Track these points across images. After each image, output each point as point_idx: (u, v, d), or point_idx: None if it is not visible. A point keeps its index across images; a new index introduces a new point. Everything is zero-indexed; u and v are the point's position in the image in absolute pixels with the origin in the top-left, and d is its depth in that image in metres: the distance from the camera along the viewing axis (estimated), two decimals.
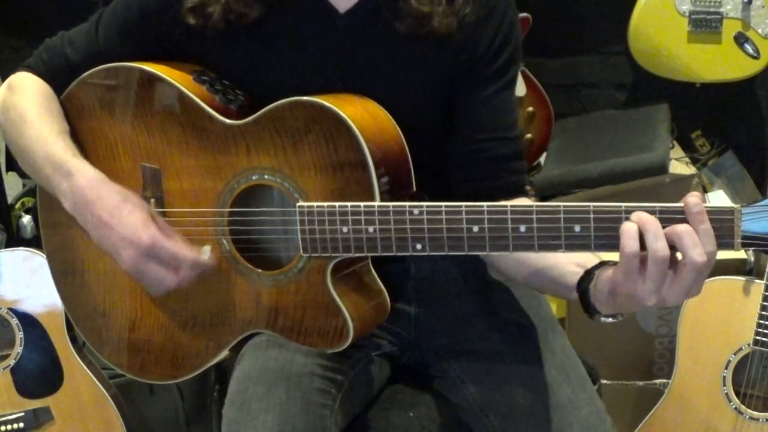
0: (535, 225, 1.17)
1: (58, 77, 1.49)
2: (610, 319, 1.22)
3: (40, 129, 1.42)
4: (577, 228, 1.16)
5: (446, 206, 1.21)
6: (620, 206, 1.14)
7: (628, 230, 1.12)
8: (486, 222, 1.19)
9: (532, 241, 1.18)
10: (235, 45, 1.42)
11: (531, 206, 1.18)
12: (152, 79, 1.41)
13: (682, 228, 1.10)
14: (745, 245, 1.12)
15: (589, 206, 1.15)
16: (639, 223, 1.12)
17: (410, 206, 1.22)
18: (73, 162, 1.39)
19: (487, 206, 1.19)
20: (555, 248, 1.18)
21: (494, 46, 1.41)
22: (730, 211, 1.11)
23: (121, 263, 1.36)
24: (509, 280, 1.54)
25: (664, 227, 1.11)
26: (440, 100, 1.44)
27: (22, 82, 1.49)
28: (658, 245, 1.10)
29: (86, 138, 1.48)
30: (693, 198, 1.12)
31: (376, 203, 1.25)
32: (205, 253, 1.37)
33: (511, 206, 1.18)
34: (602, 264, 1.22)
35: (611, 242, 1.15)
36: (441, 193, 1.41)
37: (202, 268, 1.37)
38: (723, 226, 1.11)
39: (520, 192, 1.44)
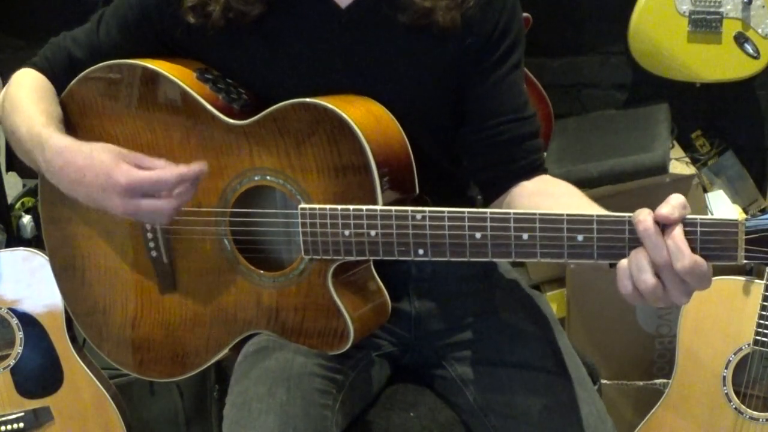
0: (537, 233, 1.17)
1: (61, 74, 1.49)
2: None
3: (26, 110, 1.42)
4: (580, 237, 1.15)
5: (449, 212, 1.21)
6: (624, 216, 1.14)
7: (623, 269, 1.13)
8: (489, 229, 1.19)
9: (535, 249, 1.18)
10: (237, 43, 1.42)
11: (534, 214, 1.17)
12: (154, 77, 1.41)
13: (670, 237, 1.10)
14: (748, 258, 1.10)
15: (592, 215, 1.15)
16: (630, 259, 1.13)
17: (413, 211, 1.22)
18: (44, 132, 1.37)
19: (490, 212, 1.19)
20: (557, 257, 1.17)
21: (499, 28, 1.41)
22: (734, 224, 1.10)
23: (115, 212, 1.33)
24: None
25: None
26: (447, 89, 1.44)
27: (21, 77, 1.50)
28: (643, 277, 1.11)
29: (88, 135, 1.47)
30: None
31: (379, 207, 1.25)
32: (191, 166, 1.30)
33: (514, 213, 1.18)
34: None
35: (613, 252, 1.14)
36: (444, 194, 1.42)
37: (191, 178, 1.30)
38: (726, 239, 1.10)
39: (539, 170, 1.45)
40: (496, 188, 1.45)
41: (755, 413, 1.90)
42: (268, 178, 1.34)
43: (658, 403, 2.00)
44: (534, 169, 1.44)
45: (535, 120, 1.46)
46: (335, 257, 1.30)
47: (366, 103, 1.35)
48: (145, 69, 1.41)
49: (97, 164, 1.32)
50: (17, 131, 1.42)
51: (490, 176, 1.45)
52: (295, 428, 1.34)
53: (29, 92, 1.46)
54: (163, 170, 1.30)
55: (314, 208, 1.28)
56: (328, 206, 1.27)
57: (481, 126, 1.44)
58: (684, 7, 2.49)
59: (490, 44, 1.41)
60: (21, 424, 2.03)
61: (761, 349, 1.88)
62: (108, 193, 1.31)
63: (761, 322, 1.87)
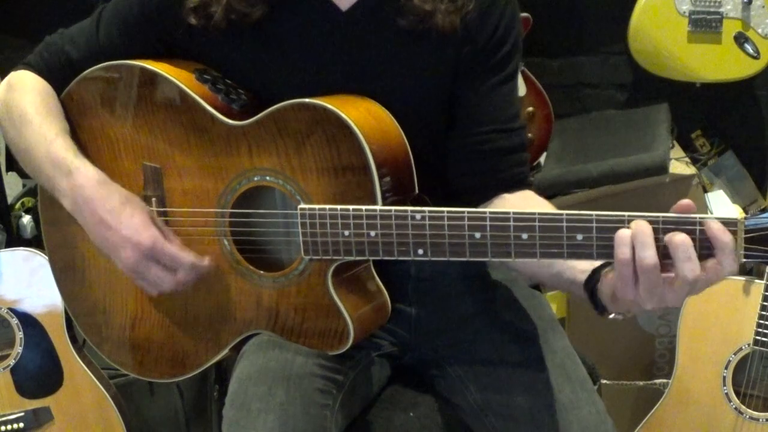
0: (537, 233, 1.17)
1: (58, 75, 1.49)
2: (620, 317, 1.21)
3: (41, 128, 1.42)
4: (580, 236, 1.15)
5: (448, 212, 1.21)
6: (623, 215, 1.13)
7: (622, 237, 1.11)
8: (488, 229, 1.19)
9: (534, 248, 1.18)
10: (238, 44, 1.42)
11: (533, 213, 1.17)
12: (153, 78, 1.41)
13: (678, 239, 1.09)
14: (747, 257, 1.09)
15: (591, 215, 1.15)
16: (632, 231, 1.11)
17: (412, 211, 1.22)
18: (74, 161, 1.40)
19: (490, 212, 1.19)
20: (557, 256, 1.17)
21: (496, 37, 1.41)
22: (733, 222, 1.09)
23: (119, 263, 1.37)
24: (533, 280, 1.53)
25: (664, 234, 1.10)
26: (444, 94, 1.44)
27: (21, 80, 1.49)
28: (645, 254, 1.09)
29: (87, 136, 1.48)
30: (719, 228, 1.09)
31: (378, 207, 1.25)
32: (205, 258, 1.38)
33: (514, 213, 1.18)
34: (608, 263, 1.21)
35: (613, 251, 1.14)
36: (443, 195, 1.42)
37: (201, 271, 1.38)
38: None
39: (523, 184, 1.44)
40: (476, 196, 1.43)
41: (755, 413, 1.90)
42: (267, 178, 1.34)
43: (658, 403, 2.00)
44: (517, 183, 1.44)
45: (522, 133, 1.46)
46: (335, 257, 1.29)
47: (365, 103, 1.35)
48: (144, 70, 1.41)
49: (126, 215, 1.36)
50: (30, 148, 1.42)
51: (472, 184, 1.44)
52: (295, 428, 1.34)
53: (35, 101, 1.45)
54: (183, 252, 1.37)
55: (314, 209, 1.28)
56: (327, 206, 1.27)
57: (468, 132, 1.43)
58: (684, 7, 2.49)
59: (486, 51, 1.41)
60: (21, 424, 2.03)
61: (761, 349, 1.88)
62: (126, 244, 1.35)
63: (761, 322, 1.87)
